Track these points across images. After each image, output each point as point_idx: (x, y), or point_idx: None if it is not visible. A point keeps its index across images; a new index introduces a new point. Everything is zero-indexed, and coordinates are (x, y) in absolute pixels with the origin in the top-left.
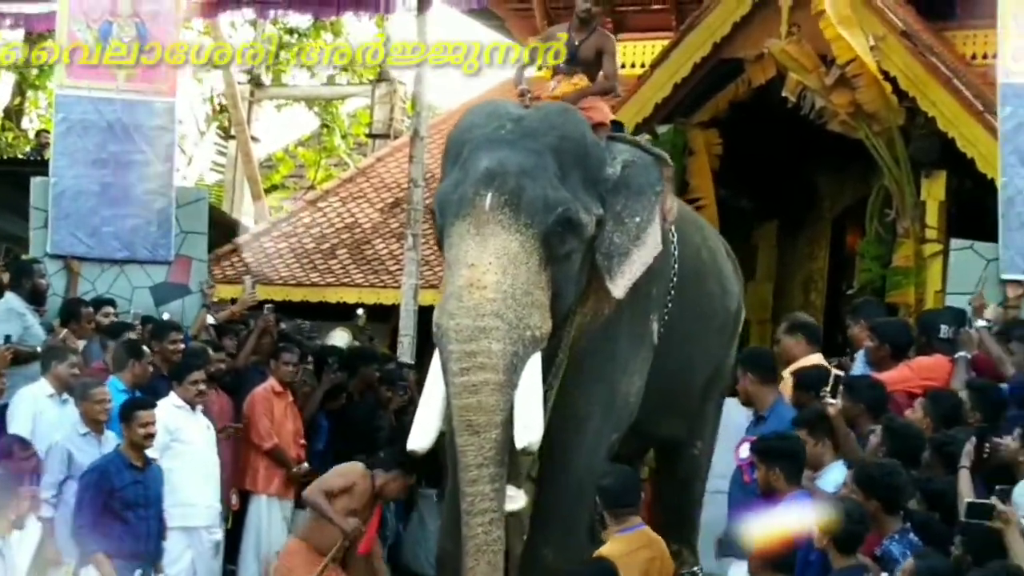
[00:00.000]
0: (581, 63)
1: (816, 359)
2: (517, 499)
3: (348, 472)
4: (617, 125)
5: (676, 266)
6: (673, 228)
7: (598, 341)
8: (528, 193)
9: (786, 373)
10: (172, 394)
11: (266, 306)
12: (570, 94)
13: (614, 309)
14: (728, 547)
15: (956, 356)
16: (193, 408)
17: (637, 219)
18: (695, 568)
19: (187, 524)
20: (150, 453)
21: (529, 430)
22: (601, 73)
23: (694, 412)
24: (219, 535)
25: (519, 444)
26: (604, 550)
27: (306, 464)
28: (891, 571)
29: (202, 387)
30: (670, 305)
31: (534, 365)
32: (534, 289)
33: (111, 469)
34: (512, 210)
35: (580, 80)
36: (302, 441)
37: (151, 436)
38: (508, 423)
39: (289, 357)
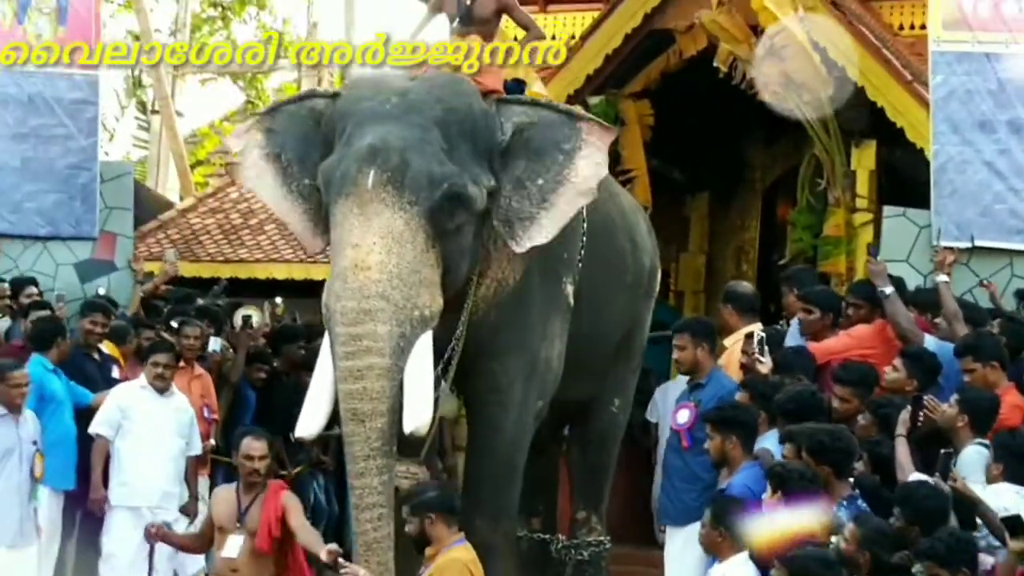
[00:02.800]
0: (476, 22)
1: (754, 328)
2: (419, 475)
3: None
4: (518, 84)
5: (585, 224)
6: None
7: (511, 311)
8: (412, 169)
9: (726, 343)
10: (141, 374)
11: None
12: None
13: (522, 277)
14: (665, 514)
15: (887, 293)
16: (159, 391)
17: (540, 181)
18: (602, 538)
19: (129, 504)
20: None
21: (418, 414)
22: (500, 28)
23: (607, 372)
24: (170, 515)
25: (407, 428)
26: (457, 555)
27: (212, 441)
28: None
29: (161, 371)
30: (580, 265)
31: (423, 346)
32: (422, 267)
33: None
34: (396, 187)
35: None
36: (213, 416)
37: None
38: (396, 409)
39: (190, 331)
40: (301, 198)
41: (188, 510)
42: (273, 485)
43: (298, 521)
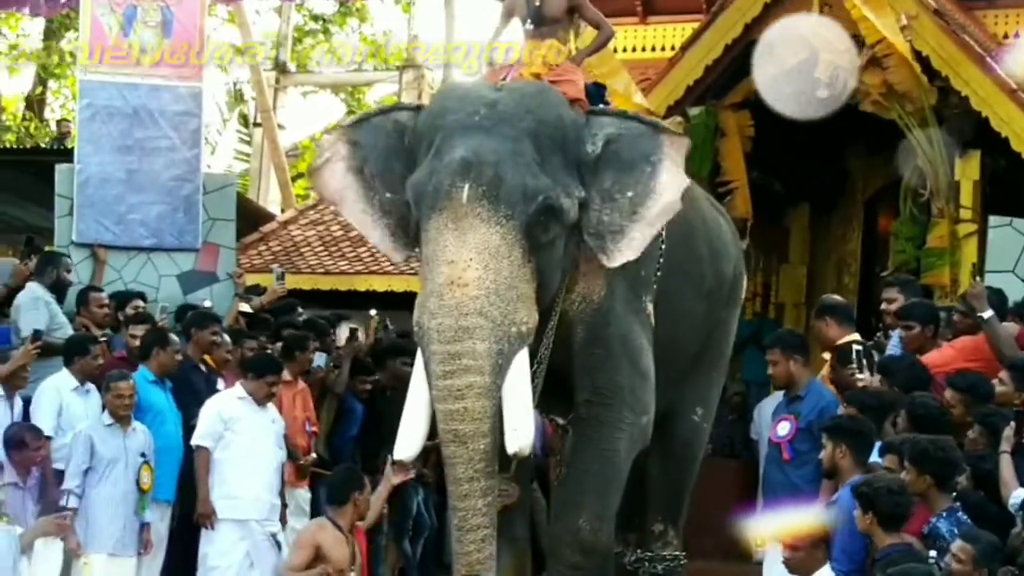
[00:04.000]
0: (547, 22)
1: (850, 338)
2: (509, 492)
3: (304, 541)
4: (599, 88)
5: (663, 234)
6: None
7: (599, 327)
8: (507, 183)
9: (826, 356)
10: (238, 385)
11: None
12: (584, 51)
13: (607, 294)
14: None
15: (986, 317)
16: (260, 404)
17: (630, 194)
18: (678, 553)
19: (235, 516)
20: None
21: (519, 433)
22: (574, 27)
23: (684, 380)
24: (275, 527)
25: (510, 449)
26: None
27: (313, 455)
28: (938, 549)
29: (274, 390)
30: (658, 274)
31: (521, 363)
32: (519, 283)
33: None
34: (491, 202)
35: (551, 47)
36: (314, 429)
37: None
38: (497, 429)
39: (311, 345)
40: (382, 212)
41: (279, 518)
42: None
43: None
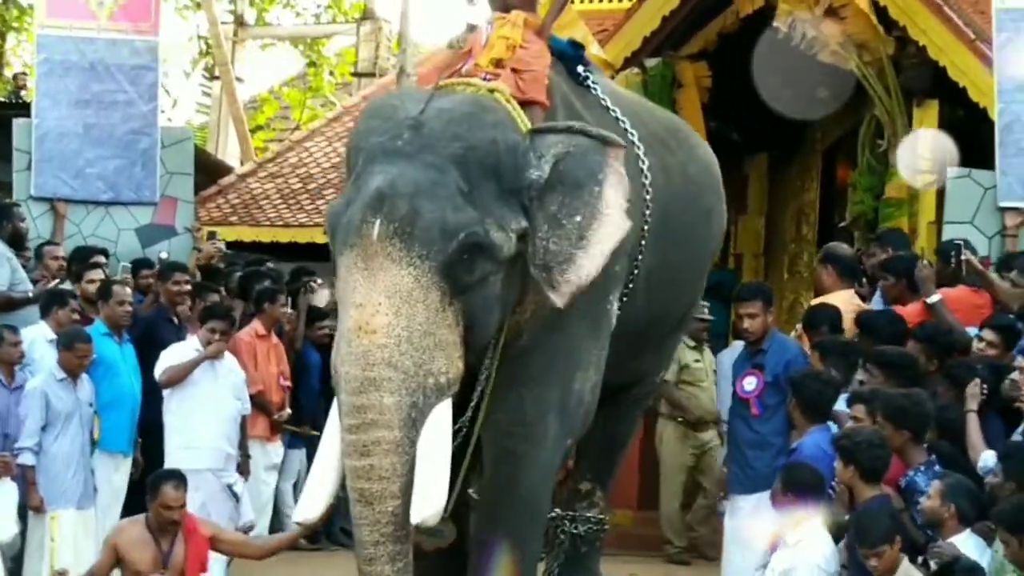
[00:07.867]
0: None
1: (844, 296)
2: (444, 532)
3: (105, 540)
4: (574, 47)
5: (648, 213)
6: (643, 155)
7: (545, 335)
8: (423, 218)
9: (815, 303)
10: (193, 336)
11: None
12: (547, 21)
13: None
14: (737, 483)
15: (930, 302)
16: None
17: (577, 218)
18: (603, 516)
19: (196, 466)
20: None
21: (428, 500)
22: None
23: (662, 344)
24: (231, 478)
25: (415, 518)
26: None
27: (288, 410)
28: (915, 502)
29: (217, 336)
30: (641, 257)
31: (439, 417)
32: (436, 329)
33: None
34: (404, 240)
35: (515, 22)
36: (287, 383)
37: None
38: (408, 488)
39: (283, 299)
40: None
41: (242, 469)
42: (188, 519)
43: (228, 540)
